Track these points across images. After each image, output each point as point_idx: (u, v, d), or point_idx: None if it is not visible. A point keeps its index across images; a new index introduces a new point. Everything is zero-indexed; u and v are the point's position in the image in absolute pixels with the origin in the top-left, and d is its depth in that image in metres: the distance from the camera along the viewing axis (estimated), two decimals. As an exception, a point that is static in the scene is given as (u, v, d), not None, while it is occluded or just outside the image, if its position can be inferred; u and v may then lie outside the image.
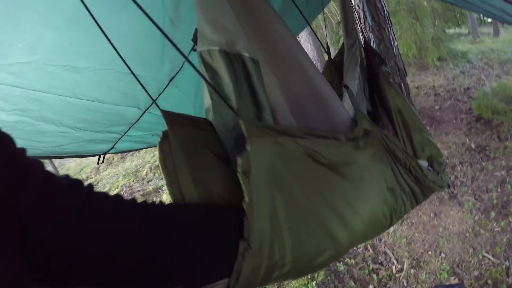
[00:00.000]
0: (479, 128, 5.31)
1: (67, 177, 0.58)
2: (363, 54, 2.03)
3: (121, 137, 2.57)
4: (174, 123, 1.08)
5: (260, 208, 0.87)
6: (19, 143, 0.49)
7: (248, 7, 1.14)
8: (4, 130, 0.49)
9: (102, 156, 2.90)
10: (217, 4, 1.02)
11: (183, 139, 1.04)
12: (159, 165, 1.01)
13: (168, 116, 1.09)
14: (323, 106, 1.27)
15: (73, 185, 0.57)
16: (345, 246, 1.09)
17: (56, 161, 10.81)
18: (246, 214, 0.85)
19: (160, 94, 2.13)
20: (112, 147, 2.81)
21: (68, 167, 12.65)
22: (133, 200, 0.68)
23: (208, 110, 1.10)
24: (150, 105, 2.18)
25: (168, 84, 2.07)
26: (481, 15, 13.57)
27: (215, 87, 1.01)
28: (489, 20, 16.96)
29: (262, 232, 0.86)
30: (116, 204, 0.62)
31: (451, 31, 13.77)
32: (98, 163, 2.87)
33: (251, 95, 1.03)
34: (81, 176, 10.70)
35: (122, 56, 1.57)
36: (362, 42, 2.08)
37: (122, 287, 0.60)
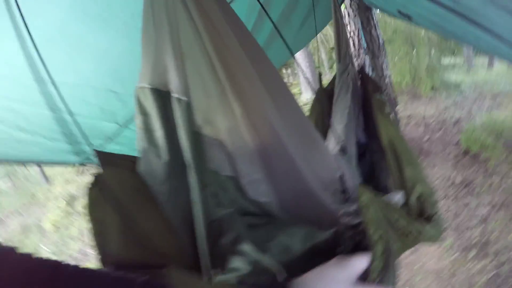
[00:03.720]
0: (466, 161, 5.31)
1: None
2: (358, 81, 1.98)
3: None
4: (110, 165, 0.92)
5: None
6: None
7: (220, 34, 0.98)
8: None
9: (79, 167, 2.83)
10: (159, 35, 0.91)
11: (118, 185, 0.89)
12: (86, 213, 0.83)
13: (103, 157, 0.93)
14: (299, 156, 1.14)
15: None
16: None
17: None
18: None
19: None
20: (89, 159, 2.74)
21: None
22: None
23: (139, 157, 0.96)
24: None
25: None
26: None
27: (146, 132, 0.90)
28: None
29: None
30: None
31: (446, 60, 13.93)
32: (77, 174, 2.82)
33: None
34: (66, 177, 10.60)
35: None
36: (358, 68, 2.02)
37: None
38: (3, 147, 2.02)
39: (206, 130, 1.01)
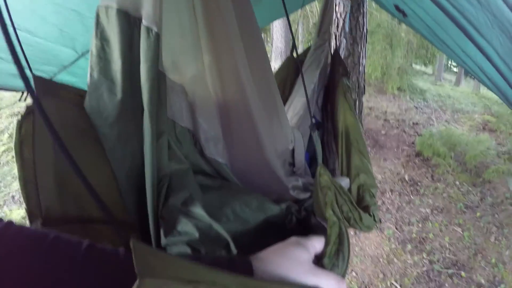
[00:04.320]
0: (416, 163, 5.54)
1: None
2: (329, 60, 1.96)
3: (50, 79, 2.20)
4: (51, 96, 0.77)
5: None
6: None
7: None
8: None
9: (25, 94, 2.55)
10: None
11: (58, 122, 0.74)
12: (14, 151, 0.70)
13: (43, 85, 0.77)
14: (258, 119, 1.07)
15: None
16: None
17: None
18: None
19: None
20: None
21: (2, 96, 11.80)
22: None
23: (87, 90, 0.80)
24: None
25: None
26: (451, 61, 14.30)
27: (101, 61, 0.76)
28: (455, 69, 17.90)
29: None
30: None
31: (417, 67, 14.34)
32: (19, 100, 2.56)
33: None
34: (14, 110, 10.03)
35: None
36: (333, 48, 2.01)
37: None
38: None
39: (170, 73, 0.91)
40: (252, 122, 1.03)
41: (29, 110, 0.72)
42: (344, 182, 1.36)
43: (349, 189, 1.37)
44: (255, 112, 1.03)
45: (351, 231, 4.04)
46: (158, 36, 0.75)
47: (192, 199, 0.84)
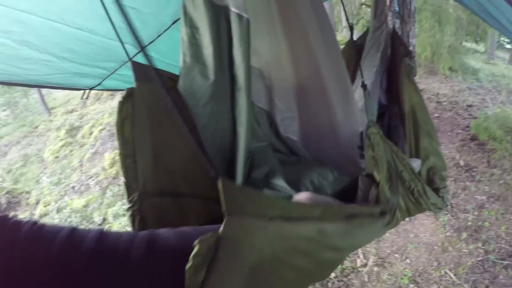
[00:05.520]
0: (471, 147, 5.27)
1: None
2: (389, 41, 1.89)
3: (110, 74, 2.39)
4: (145, 79, 0.83)
5: None
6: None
7: None
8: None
9: (87, 91, 2.69)
10: None
11: (152, 102, 0.81)
12: (115, 130, 0.78)
13: (140, 69, 0.84)
14: (333, 99, 1.11)
15: None
16: None
17: (44, 90, 10.66)
18: None
19: (160, 35, 1.94)
20: (100, 84, 2.60)
21: (56, 96, 12.48)
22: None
23: (180, 73, 0.87)
24: (147, 46, 1.94)
25: (170, 26, 1.85)
26: (503, 38, 13.43)
27: (193, 47, 0.81)
28: (508, 45, 16.80)
29: None
30: None
31: (468, 44, 13.55)
32: (82, 98, 2.68)
33: (231, 65, 0.83)
34: (67, 108, 10.57)
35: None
36: (391, 28, 1.93)
37: None
38: (7, 66, 1.85)
39: None
40: (327, 101, 1.08)
41: (129, 93, 0.80)
42: (416, 163, 1.35)
43: (419, 172, 1.35)
44: (330, 92, 1.07)
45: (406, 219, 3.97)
46: (248, 21, 0.77)
47: (274, 172, 0.89)
